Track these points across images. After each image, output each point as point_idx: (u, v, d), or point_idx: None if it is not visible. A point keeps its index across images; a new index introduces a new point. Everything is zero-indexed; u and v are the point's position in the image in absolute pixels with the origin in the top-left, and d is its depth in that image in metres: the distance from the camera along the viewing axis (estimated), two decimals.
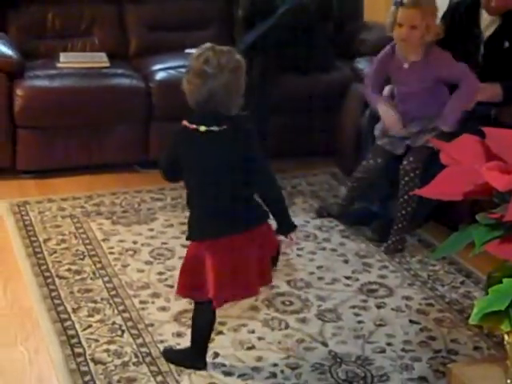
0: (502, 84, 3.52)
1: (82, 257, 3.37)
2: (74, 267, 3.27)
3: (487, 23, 3.63)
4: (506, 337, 1.73)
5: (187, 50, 4.59)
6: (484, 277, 3.26)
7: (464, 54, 3.50)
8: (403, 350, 2.77)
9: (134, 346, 2.73)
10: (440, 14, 3.66)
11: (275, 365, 2.67)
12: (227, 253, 2.43)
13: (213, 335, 2.74)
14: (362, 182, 3.68)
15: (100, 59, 4.43)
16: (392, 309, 3.05)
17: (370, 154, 3.65)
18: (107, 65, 4.38)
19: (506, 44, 3.56)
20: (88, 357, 2.66)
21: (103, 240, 3.52)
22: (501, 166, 1.57)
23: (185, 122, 2.44)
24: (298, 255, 3.46)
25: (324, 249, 3.54)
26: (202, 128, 2.40)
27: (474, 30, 3.64)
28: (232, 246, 2.44)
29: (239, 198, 2.46)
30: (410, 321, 2.97)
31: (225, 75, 2.38)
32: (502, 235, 1.58)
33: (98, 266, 3.29)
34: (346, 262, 3.43)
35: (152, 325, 2.87)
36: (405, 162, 3.50)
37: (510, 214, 1.49)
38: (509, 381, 1.82)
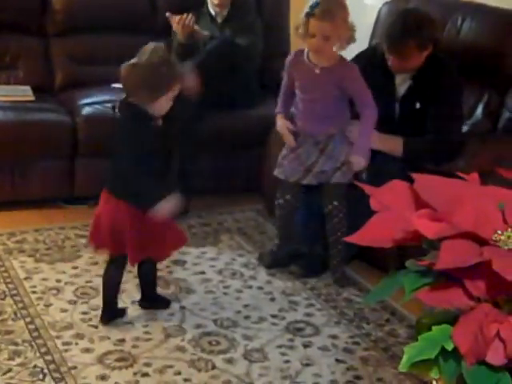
0: (405, 140, 3.57)
1: (2, 296, 3.26)
2: None
3: (399, 81, 3.67)
4: (434, 383, 1.74)
5: (113, 85, 4.56)
6: (408, 314, 3.30)
7: (380, 110, 3.47)
8: None
9: None
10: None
11: None
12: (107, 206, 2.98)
13: (138, 377, 2.71)
14: (283, 221, 3.68)
15: (24, 93, 4.35)
16: (318, 348, 3.05)
17: (278, 193, 3.64)
18: (32, 99, 4.30)
19: (418, 105, 3.63)
20: None
21: (25, 278, 3.42)
22: (430, 214, 1.59)
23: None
24: (225, 293, 3.43)
25: (250, 287, 3.52)
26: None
27: (389, 86, 3.67)
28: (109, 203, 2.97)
29: (128, 172, 2.89)
30: (337, 360, 2.97)
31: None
32: (432, 282, 1.59)
33: (20, 305, 3.20)
34: (273, 300, 3.42)
35: (75, 367, 2.79)
36: (330, 207, 3.52)
37: (440, 262, 1.50)
38: None
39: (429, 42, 3.54)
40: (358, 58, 3.81)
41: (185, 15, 4.39)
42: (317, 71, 3.41)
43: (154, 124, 2.94)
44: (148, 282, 3.23)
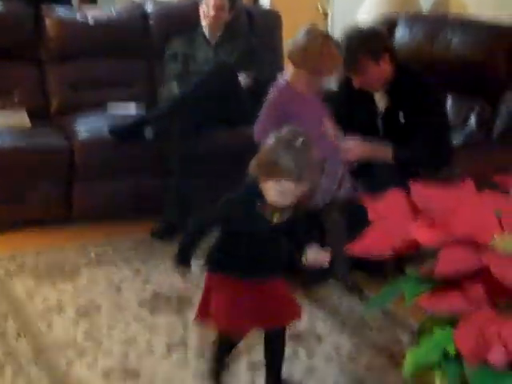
0: (394, 147, 3.60)
1: (5, 318, 3.27)
2: None
3: (378, 98, 3.74)
4: None
5: (110, 103, 4.59)
6: (409, 320, 3.31)
7: (362, 128, 3.55)
8: None
9: None
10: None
11: None
12: None
13: None
14: None
15: (21, 119, 4.37)
16: (322, 357, 3.06)
17: None
18: (28, 124, 4.33)
19: (402, 120, 3.68)
20: None
21: (27, 299, 3.43)
22: (428, 222, 1.62)
23: None
24: None
25: None
26: None
27: (369, 105, 3.74)
28: None
29: None
30: (341, 369, 2.99)
31: None
32: (432, 288, 1.62)
33: (22, 326, 3.21)
34: None
35: None
36: (329, 221, 3.59)
37: (439, 269, 1.53)
38: None
39: (380, 51, 3.61)
40: (340, 83, 3.90)
41: None
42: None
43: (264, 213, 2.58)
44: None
